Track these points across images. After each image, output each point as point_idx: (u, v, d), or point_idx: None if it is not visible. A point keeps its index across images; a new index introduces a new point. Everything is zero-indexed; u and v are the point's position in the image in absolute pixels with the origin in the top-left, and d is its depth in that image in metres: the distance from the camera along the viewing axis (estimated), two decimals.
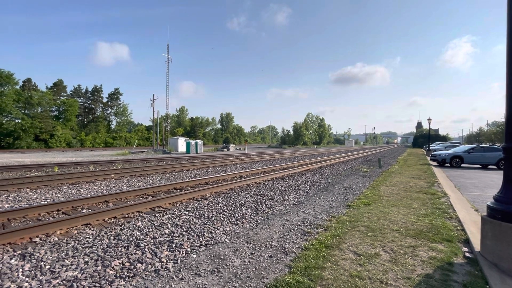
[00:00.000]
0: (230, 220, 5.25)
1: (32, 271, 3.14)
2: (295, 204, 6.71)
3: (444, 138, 76.06)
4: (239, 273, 3.18)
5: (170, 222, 5.12)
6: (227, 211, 5.91)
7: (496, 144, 35.92)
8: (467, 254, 3.64)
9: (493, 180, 11.13)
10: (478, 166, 16.96)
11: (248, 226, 4.96)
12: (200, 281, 2.99)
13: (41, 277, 3.01)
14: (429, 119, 33.96)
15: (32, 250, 3.76)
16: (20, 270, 3.17)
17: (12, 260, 3.43)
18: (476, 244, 3.82)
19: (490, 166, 16.54)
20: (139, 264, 3.34)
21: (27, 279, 2.97)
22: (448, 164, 17.07)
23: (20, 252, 3.69)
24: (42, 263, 3.36)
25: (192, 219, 5.29)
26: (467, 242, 4.13)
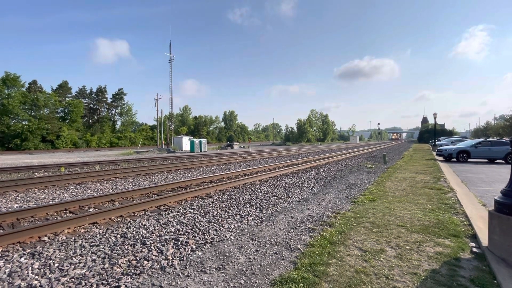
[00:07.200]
0: (235, 218, 5.27)
1: (41, 269, 3.20)
2: (300, 201, 6.70)
3: (450, 133, 75.15)
4: (244, 269, 3.20)
5: (175, 220, 5.16)
6: (232, 209, 5.93)
7: (504, 138, 35.29)
8: (475, 249, 3.60)
9: (501, 174, 10.96)
10: (486, 160, 16.72)
11: (252, 223, 4.98)
12: (205, 278, 3.01)
13: (50, 275, 3.06)
14: (435, 114, 33.51)
15: (41, 248, 3.83)
16: (30, 268, 3.23)
17: (22, 259, 3.49)
18: (484, 239, 3.77)
19: (498, 161, 16.29)
20: (145, 262, 3.38)
21: (36, 277, 3.03)
22: (455, 159, 16.85)
23: (30, 250, 3.76)
24: (51, 261, 3.42)
25: (197, 217, 5.33)
26: (474, 237, 4.08)
